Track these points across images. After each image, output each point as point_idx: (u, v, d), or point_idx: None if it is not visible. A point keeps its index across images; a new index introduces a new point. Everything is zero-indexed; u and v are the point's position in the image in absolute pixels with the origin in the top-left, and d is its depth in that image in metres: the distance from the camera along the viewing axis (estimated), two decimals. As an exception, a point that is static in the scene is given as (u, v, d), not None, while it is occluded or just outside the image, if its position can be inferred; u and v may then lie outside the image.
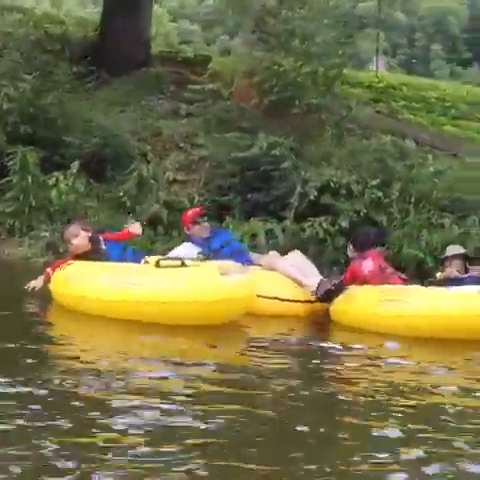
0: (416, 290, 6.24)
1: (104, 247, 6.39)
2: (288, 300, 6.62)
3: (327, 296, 6.56)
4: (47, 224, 9.60)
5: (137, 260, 6.24)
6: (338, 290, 6.57)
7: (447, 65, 55.24)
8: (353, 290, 6.46)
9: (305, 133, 9.74)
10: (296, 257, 7.15)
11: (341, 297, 6.50)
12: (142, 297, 5.50)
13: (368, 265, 6.60)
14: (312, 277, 6.79)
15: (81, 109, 10.92)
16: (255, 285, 5.89)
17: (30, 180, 9.55)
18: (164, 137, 11.21)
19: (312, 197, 8.91)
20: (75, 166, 9.76)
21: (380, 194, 9.09)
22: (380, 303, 6.10)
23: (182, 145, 10.85)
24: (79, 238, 6.36)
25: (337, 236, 9.09)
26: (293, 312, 6.58)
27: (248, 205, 9.52)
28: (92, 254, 6.31)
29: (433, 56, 57.93)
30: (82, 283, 5.94)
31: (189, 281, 5.55)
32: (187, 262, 5.73)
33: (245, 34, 11.85)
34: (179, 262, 5.67)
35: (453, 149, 12.14)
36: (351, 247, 6.93)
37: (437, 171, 9.59)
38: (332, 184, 8.94)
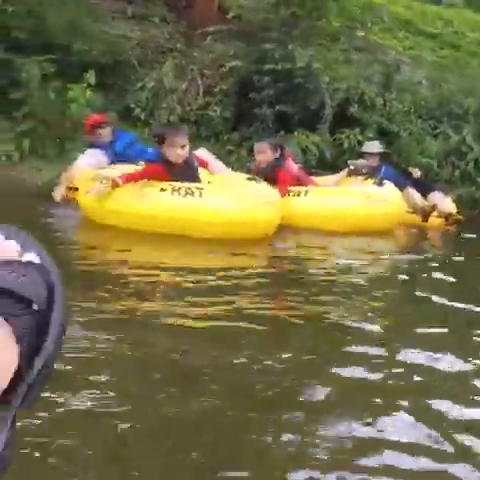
0: None
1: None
2: None
3: None
4: (66, 143, 8.75)
5: None
6: None
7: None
8: None
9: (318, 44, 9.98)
10: (204, 153, 6.96)
11: None
12: None
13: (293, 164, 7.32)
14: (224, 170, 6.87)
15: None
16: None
17: (52, 94, 8.55)
18: (142, 43, 10.50)
19: (352, 110, 9.37)
20: (92, 76, 8.84)
21: (400, 106, 9.86)
22: None
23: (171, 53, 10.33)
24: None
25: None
26: None
27: (274, 117, 9.63)
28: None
29: None
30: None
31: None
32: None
33: None
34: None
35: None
36: (277, 149, 7.07)
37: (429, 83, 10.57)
38: (365, 97, 9.47)
